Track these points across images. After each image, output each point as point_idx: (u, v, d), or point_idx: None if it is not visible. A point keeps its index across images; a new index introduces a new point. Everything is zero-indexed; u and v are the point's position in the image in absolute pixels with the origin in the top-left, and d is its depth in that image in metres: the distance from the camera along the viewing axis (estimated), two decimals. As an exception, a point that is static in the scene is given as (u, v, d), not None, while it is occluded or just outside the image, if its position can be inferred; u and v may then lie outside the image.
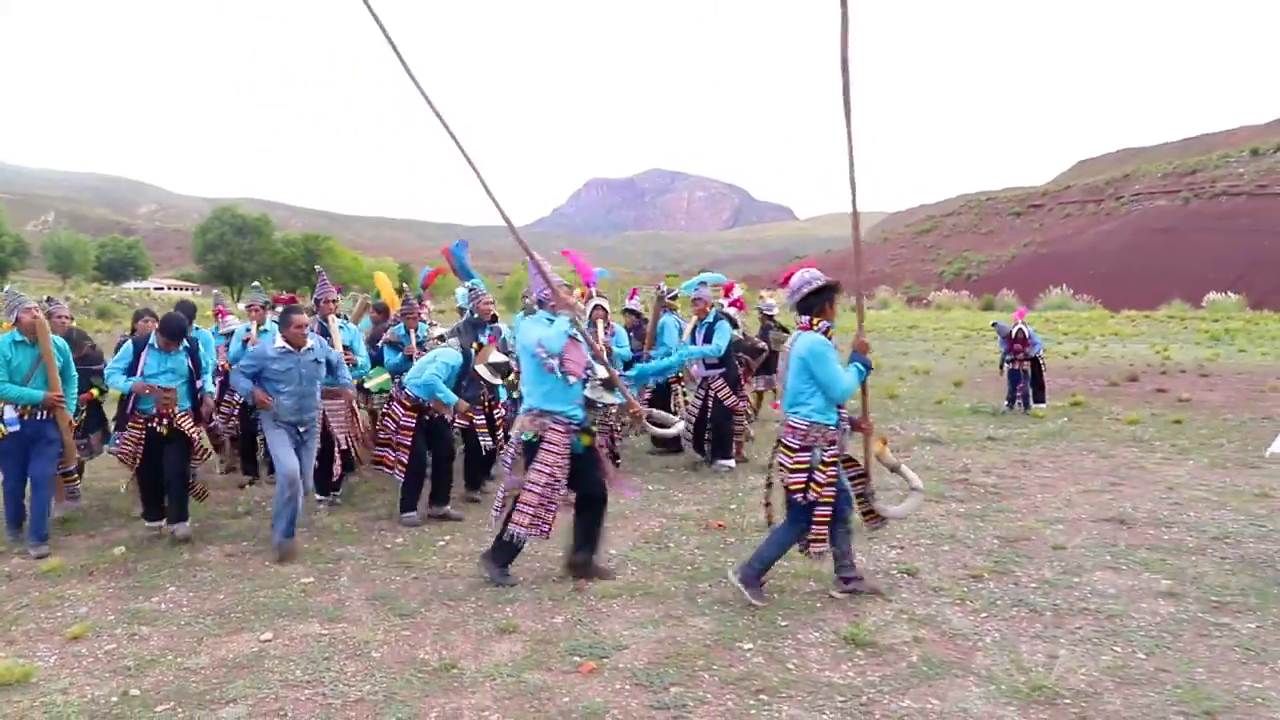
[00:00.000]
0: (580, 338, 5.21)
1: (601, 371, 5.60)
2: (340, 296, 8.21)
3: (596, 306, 8.45)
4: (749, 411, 9.65)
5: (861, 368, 4.94)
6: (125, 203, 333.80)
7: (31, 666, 4.03)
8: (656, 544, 6.16)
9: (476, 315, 7.74)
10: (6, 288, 6.63)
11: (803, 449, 4.85)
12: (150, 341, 6.32)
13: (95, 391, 7.29)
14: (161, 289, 78.43)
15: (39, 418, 6.08)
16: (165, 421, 6.24)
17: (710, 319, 8.70)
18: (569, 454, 5.20)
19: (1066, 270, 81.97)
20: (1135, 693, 3.84)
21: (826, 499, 4.85)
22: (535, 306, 5.46)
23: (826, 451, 4.85)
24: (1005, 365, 13.59)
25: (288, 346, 6.13)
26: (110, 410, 7.49)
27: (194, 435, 6.39)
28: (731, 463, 8.75)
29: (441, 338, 7.63)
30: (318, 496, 7.16)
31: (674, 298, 9.57)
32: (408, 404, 6.90)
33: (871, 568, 5.57)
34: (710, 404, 8.67)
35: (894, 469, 5.22)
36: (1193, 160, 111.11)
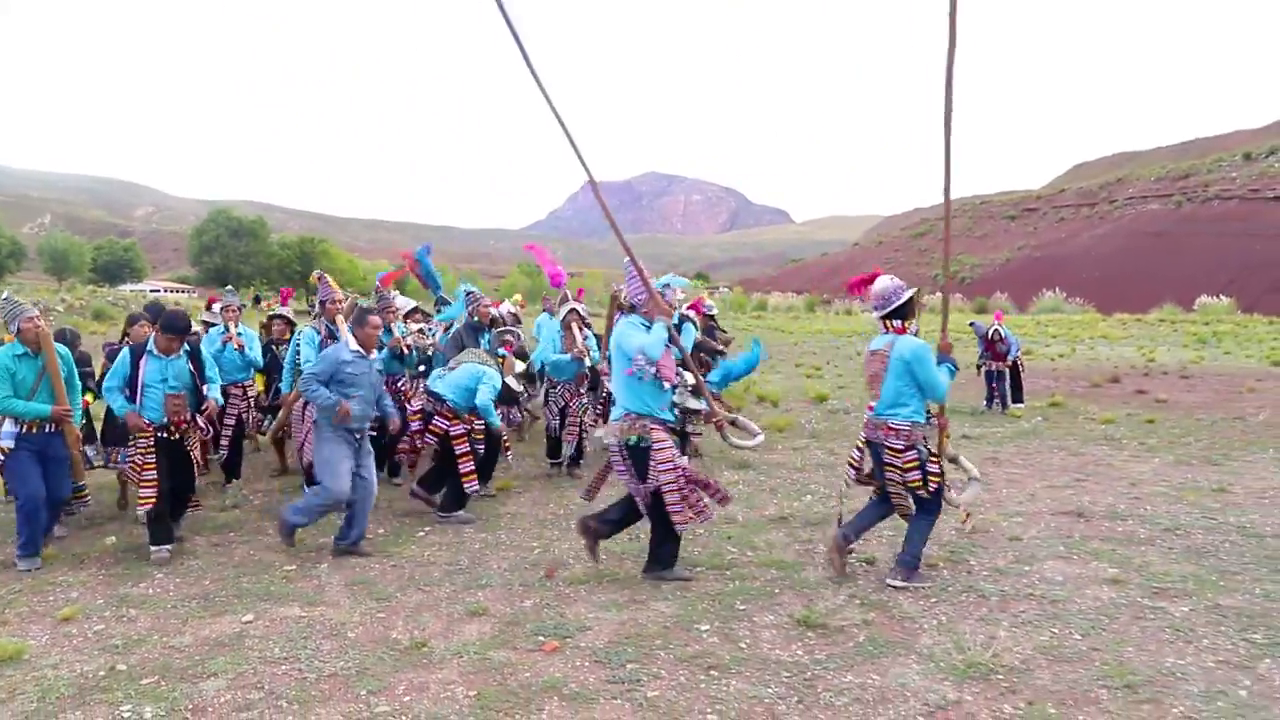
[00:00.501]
0: (671, 345, 5.33)
1: (690, 378, 5.73)
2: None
3: (571, 310, 8.51)
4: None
5: (952, 367, 5.28)
6: (121, 205, 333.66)
7: (24, 645, 4.26)
8: (628, 534, 6.36)
9: (476, 319, 7.88)
10: (4, 294, 6.26)
11: (908, 448, 5.15)
12: (148, 348, 5.87)
13: (90, 397, 7.07)
14: (157, 291, 78.52)
15: (47, 431, 5.75)
16: (176, 430, 5.87)
17: (675, 321, 8.92)
18: (675, 444, 5.36)
19: (1060, 273, 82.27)
20: (1065, 669, 4.08)
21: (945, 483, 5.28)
22: (628, 308, 5.56)
23: (926, 444, 5.18)
24: (982, 366, 13.85)
25: (360, 350, 6.00)
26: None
27: (194, 451, 6.09)
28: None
29: (422, 331, 7.82)
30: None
31: None
32: (450, 415, 6.94)
33: (833, 557, 5.81)
34: None
35: (953, 460, 5.52)
36: (1186, 164, 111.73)
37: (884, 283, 5.34)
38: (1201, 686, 3.88)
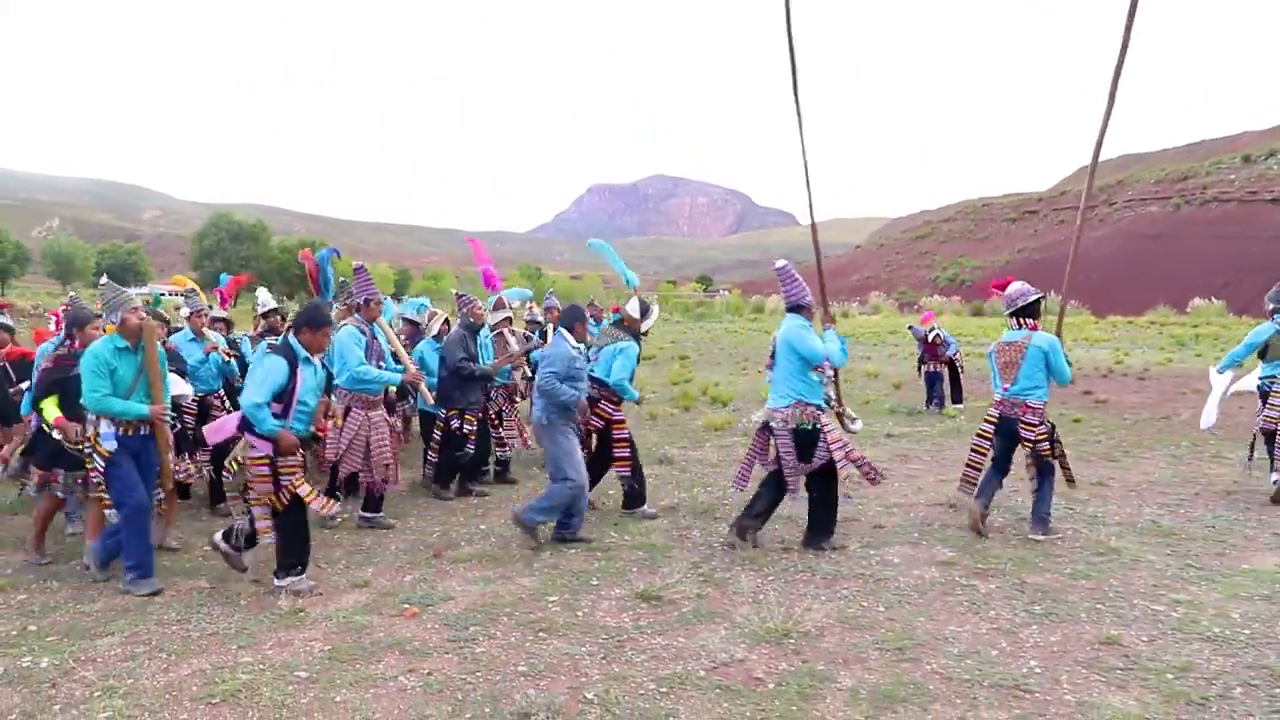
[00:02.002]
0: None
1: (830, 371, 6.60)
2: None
3: (505, 319, 8.82)
4: None
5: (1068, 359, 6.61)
6: (129, 209, 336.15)
7: (-48, 611, 4.90)
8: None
9: (471, 320, 8.20)
10: (104, 280, 5.87)
11: (1040, 423, 6.39)
12: (300, 354, 5.27)
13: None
14: (162, 294, 79.53)
15: (142, 434, 5.41)
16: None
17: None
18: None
19: (1059, 276, 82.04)
20: (853, 635, 4.66)
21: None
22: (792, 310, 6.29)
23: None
24: (922, 368, 14.43)
25: (580, 346, 6.34)
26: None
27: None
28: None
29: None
30: (363, 515, 6.89)
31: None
32: (615, 399, 7.16)
33: (703, 543, 6.41)
34: None
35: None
36: (1185, 167, 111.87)
37: (1015, 286, 6.57)
38: (962, 649, 4.46)
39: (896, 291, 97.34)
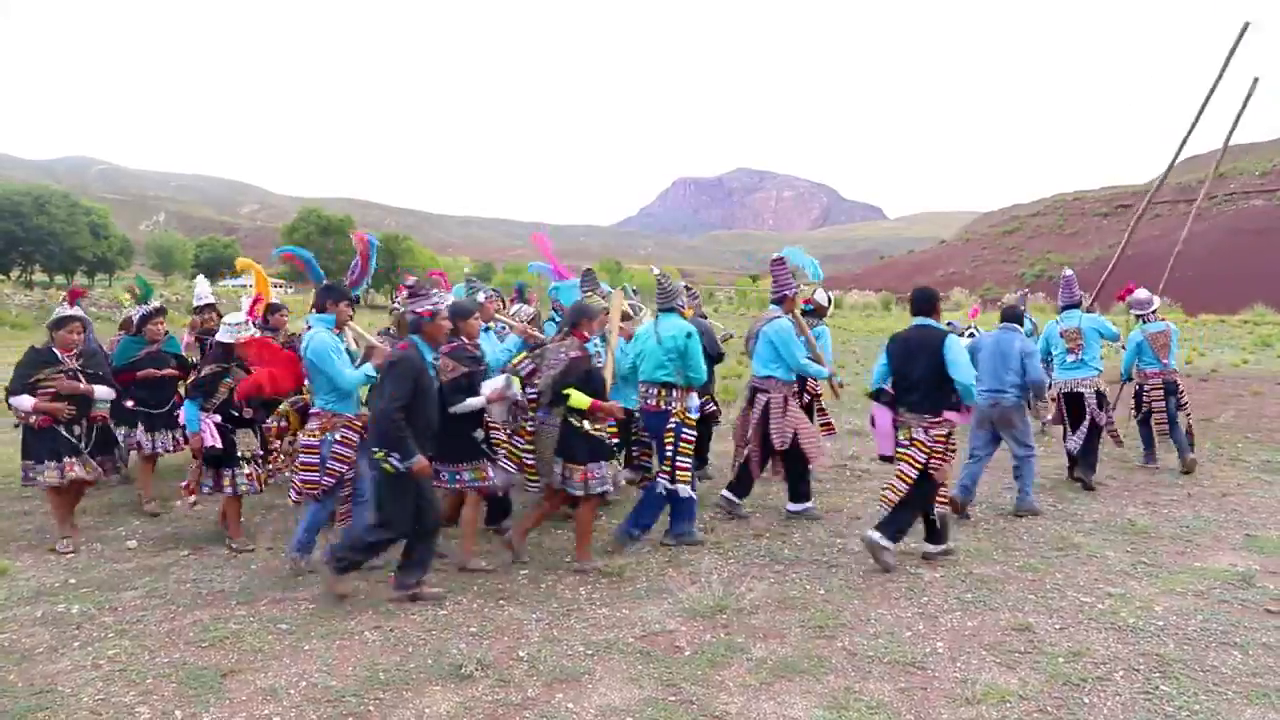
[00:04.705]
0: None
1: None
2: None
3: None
4: None
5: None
6: (229, 203, 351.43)
7: (10, 565, 5.73)
8: (520, 505, 7.55)
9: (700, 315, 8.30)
10: (659, 271, 6.23)
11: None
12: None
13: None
14: (248, 285, 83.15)
15: None
16: None
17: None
18: None
19: (1150, 272, 78.89)
20: (782, 614, 5.06)
21: None
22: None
23: None
24: (958, 367, 14.50)
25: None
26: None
27: None
28: None
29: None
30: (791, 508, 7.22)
31: None
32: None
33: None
34: None
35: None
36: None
37: (1144, 293, 9.56)
38: (879, 629, 4.83)
39: (981, 288, 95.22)
